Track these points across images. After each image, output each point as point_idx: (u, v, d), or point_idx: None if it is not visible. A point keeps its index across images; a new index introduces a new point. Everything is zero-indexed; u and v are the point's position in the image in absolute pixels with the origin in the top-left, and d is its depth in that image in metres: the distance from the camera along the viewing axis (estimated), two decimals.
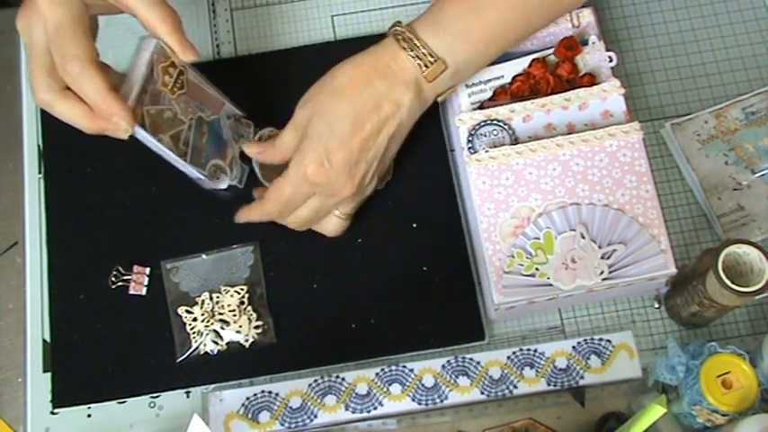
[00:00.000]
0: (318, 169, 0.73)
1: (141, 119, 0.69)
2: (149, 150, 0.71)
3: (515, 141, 0.78)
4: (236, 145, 0.79)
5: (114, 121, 0.66)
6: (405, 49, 0.73)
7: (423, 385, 0.77)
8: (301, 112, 0.75)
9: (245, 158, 0.79)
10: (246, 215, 0.79)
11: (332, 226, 0.80)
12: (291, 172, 0.74)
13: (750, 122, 0.84)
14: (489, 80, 0.80)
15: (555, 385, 0.77)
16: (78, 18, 0.66)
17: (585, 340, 0.78)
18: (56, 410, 0.80)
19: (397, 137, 0.76)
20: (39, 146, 0.87)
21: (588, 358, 0.77)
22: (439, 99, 0.77)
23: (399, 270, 0.82)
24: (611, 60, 0.81)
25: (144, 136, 0.70)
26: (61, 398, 0.80)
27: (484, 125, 0.78)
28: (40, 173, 0.86)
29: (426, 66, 0.73)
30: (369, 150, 0.74)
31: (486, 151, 0.76)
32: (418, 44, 0.73)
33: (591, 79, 0.80)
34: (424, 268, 0.82)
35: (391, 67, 0.74)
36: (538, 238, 0.74)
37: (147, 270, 0.82)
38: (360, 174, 0.75)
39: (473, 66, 0.77)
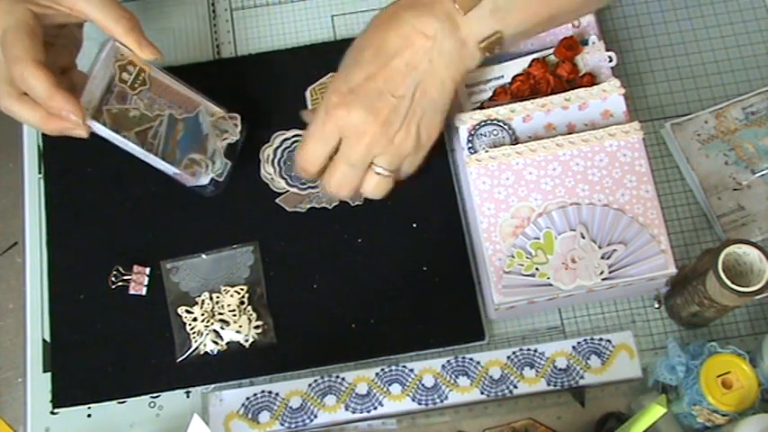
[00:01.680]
0: (340, 99, 0.69)
1: (102, 117, 0.73)
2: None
3: (515, 141, 0.78)
4: (219, 140, 0.79)
5: (65, 116, 0.68)
6: None
7: (423, 385, 0.77)
8: None
9: (228, 154, 0.79)
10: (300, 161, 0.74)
11: (373, 183, 0.74)
12: (318, 110, 0.71)
13: (750, 122, 0.84)
14: (489, 80, 0.80)
15: (555, 385, 0.77)
16: (23, 23, 0.68)
17: (585, 340, 0.78)
18: (56, 410, 0.79)
19: (431, 90, 0.69)
20: (39, 146, 0.87)
21: (588, 358, 0.77)
22: (488, 54, 0.70)
23: (399, 270, 0.81)
24: (611, 60, 0.81)
25: (102, 130, 0.73)
26: (61, 398, 0.80)
27: (484, 125, 0.78)
28: (40, 173, 0.86)
29: None
30: (396, 86, 0.68)
31: (486, 151, 0.76)
32: None
33: (591, 79, 0.80)
34: (424, 268, 0.81)
35: (421, 0, 0.68)
36: (538, 238, 0.74)
37: (147, 270, 0.82)
38: (386, 109, 0.69)
39: (517, 7, 0.69)
